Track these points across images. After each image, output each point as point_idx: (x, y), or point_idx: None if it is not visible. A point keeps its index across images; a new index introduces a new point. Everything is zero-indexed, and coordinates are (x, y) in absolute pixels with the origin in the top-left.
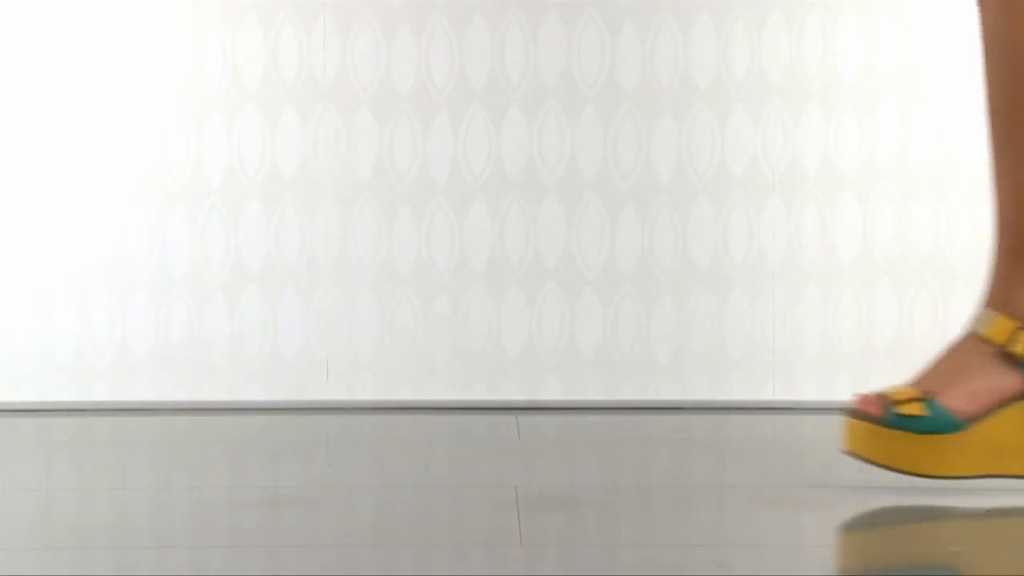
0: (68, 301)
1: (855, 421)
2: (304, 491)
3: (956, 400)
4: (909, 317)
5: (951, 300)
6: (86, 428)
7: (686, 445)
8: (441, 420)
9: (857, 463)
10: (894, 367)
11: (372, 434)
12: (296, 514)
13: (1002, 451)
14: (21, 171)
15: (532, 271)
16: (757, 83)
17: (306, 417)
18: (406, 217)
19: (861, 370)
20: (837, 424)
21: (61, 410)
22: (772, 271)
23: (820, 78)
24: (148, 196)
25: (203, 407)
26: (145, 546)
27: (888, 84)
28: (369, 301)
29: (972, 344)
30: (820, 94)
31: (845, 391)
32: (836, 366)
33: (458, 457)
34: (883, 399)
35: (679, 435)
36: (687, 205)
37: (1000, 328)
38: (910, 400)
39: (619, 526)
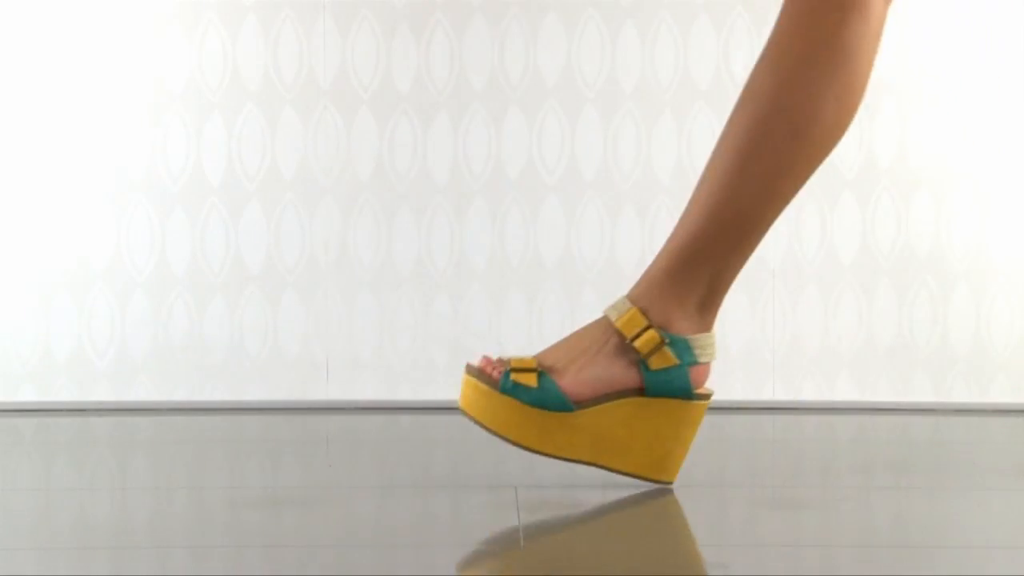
0: (68, 301)
1: (471, 379)
2: (304, 491)
3: (570, 381)
4: (909, 317)
5: (951, 300)
6: (86, 428)
7: None
8: (441, 420)
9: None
10: (894, 367)
11: (372, 434)
12: (296, 514)
13: (603, 441)
14: (21, 171)
15: (532, 271)
16: None
17: (306, 417)
18: (406, 217)
19: (861, 370)
20: (837, 424)
21: (61, 410)
22: (772, 271)
23: None
24: (148, 196)
25: (203, 407)
26: (145, 546)
27: (888, 84)
28: (369, 301)
29: (602, 330)
30: None
31: (845, 391)
32: (836, 366)
33: (458, 457)
34: (503, 364)
35: None
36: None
37: (632, 323)
38: (527, 370)
39: (619, 526)
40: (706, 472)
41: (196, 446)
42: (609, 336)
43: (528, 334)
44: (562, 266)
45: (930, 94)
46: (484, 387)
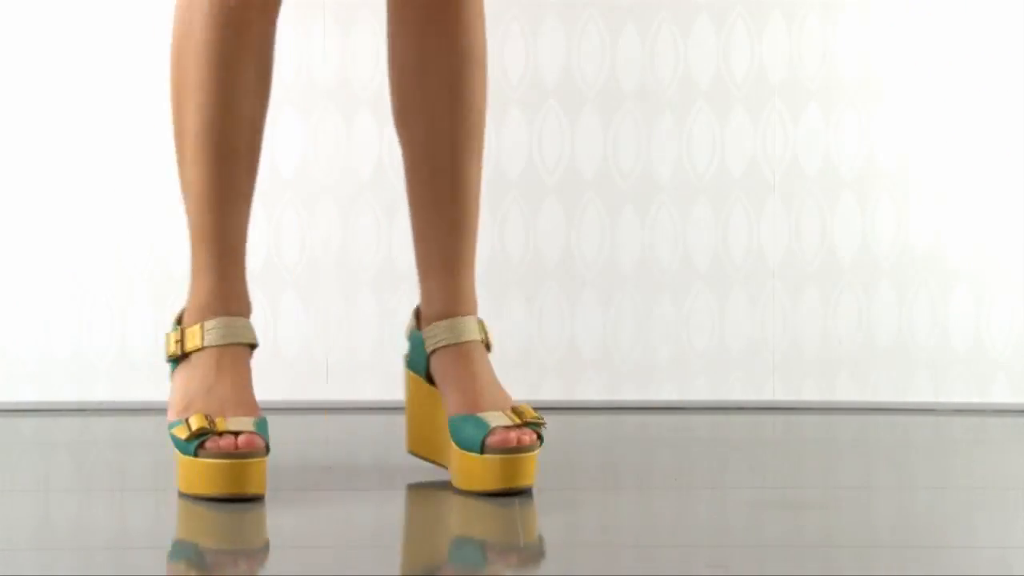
0: (68, 301)
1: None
2: (304, 492)
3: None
4: (909, 317)
5: (951, 300)
6: (86, 428)
7: (686, 445)
8: None
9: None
10: (894, 367)
11: (374, 434)
12: (295, 515)
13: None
14: (22, 172)
15: (532, 271)
16: (757, 83)
17: (306, 417)
18: (406, 217)
19: (861, 370)
20: (837, 424)
21: (61, 410)
22: (772, 271)
23: (820, 78)
24: (149, 196)
25: None
26: (145, 546)
27: (888, 85)
28: (369, 301)
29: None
30: (820, 94)
31: (845, 391)
32: (836, 366)
33: None
34: None
35: (679, 435)
36: (687, 205)
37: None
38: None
39: (619, 526)
40: (706, 472)
41: None
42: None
43: (528, 334)
44: (562, 266)
45: (930, 94)
46: None
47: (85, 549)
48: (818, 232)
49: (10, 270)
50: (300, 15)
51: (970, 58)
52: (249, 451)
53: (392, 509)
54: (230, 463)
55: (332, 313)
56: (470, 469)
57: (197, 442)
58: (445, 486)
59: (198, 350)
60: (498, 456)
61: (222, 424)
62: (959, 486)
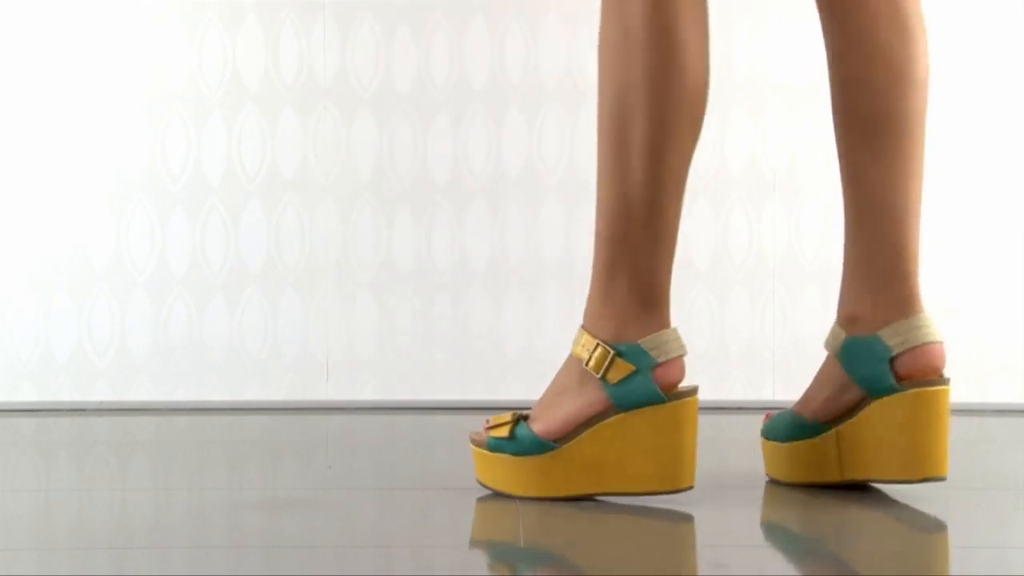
0: (68, 301)
1: (472, 447)
2: (304, 492)
3: (543, 423)
4: None
5: (950, 300)
6: (86, 428)
7: None
8: (441, 420)
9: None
10: None
11: (372, 434)
12: (295, 515)
13: (598, 469)
14: (22, 171)
15: (532, 271)
16: (757, 83)
17: (306, 417)
18: (406, 217)
19: None
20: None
21: (61, 410)
22: (772, 271)
23: (821, 78)
24: (148, 196)
25: (203, 407)
26: (145, 546)
27: None
28: (369, 301)
29: (569, 365)
30: (821, 94)
31: None
32: None
33: (457, 457)
34: (487, 424)
35: None
36: (687, 205)
37: (584, 346)
38: (503, 424)
39: (618, 526)
40: (706, 472)
41: (196, 446)
42: (573, 368)
43: (528, 334)
44: (562, 266)
45: (933, 94)
46: (478, 450)
47: (85, 549)
48: (818, 232)
49: (10, 270)
50: (300, 15)
51: (974, 59)
52: None
53: (392, 509)
54: None
55: (332, 313)
56: None
57: None
58: (444, 486)
59: None
60: None
61: None
62: (959, 486)
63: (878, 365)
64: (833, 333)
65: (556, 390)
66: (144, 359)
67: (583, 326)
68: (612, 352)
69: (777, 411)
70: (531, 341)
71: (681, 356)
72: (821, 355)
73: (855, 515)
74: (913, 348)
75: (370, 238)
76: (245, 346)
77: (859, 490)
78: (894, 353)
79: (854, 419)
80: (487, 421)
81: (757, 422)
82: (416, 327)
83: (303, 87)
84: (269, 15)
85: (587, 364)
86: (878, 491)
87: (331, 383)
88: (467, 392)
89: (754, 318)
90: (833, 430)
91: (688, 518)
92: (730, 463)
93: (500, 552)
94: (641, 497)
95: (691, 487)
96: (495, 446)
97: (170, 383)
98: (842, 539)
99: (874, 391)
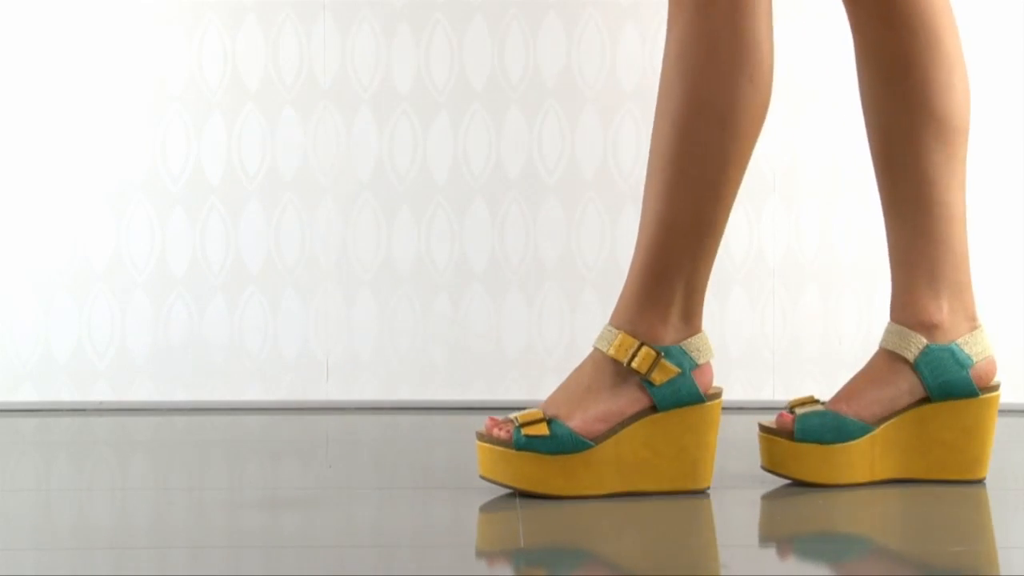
0: (68, 301)
1: (485, 445)
2: (304, 492)
3: (580, 421)
4: None
5: None
6: (86, 428)
7: None
8: (441, 420)
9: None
10: None
11: (372, 434)
12: (295, 515)
13: (630, 468)
14: (22, 171)
15: (532, 271)
16: None
17: (306, 417)
18: (406, 217)
19: None
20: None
21: (61, 410)
22: (772, 271)
23: (821, 78)
24: (148, 196)
25: (203, 407)
26: (145, 546)
27: None
28: (369, 301)
29: (596, 363)
30: (821, 94)
31: None
32: (836, 366)
33: (458, 457)
34: (509, 423)
35: None
36: None
37: (623, 347)
38: (536, 421)
39: (619, 526)
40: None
41: (196, 446)
42: (605, 367)
43: (528, 334)
44: (562, 266)
45: None
46: (500, 449)
47: (85, 549)
48: (818, 232)
49: (10, 270)
50: (300, 15)
51: (976, 60)
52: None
53: (392, 509)
54: None
55: (332, 313)
56: None
57: None
58: (444, 486)
59: None
60: None
61: None
62: (959, 485)
63: (960, 372)
64: (903, 336)
65: (582, 389)
66: (144, 359)
67: (616, 327)
68: (658, 354)
69: (783, 411)
70: (531, 341)
71: (711, 359)
72: (821, 355)
73: (855, 515)
74: (985, 358)
75: (370, 238)
76: (245, 346)
77: (859, 490)
78: (974, 362)
79: (897, 419)
80: (499, 419)
81: (757, 422)
82: (416, 327)
83: (303, 87)
84: (269, 15)
85: (627, 364)
86: (878, 491)
87: (331, 383)
88: (467, 392)
89: (754, 318)
90: (880, 429)
91: (688, 518)
92: (730, 463)
93: (500, 552)
94: (641, 497)
95: (708, 487)
96: (526, 444)
97: (170, 383)
98: (842, 539)
99: (946, 396)
